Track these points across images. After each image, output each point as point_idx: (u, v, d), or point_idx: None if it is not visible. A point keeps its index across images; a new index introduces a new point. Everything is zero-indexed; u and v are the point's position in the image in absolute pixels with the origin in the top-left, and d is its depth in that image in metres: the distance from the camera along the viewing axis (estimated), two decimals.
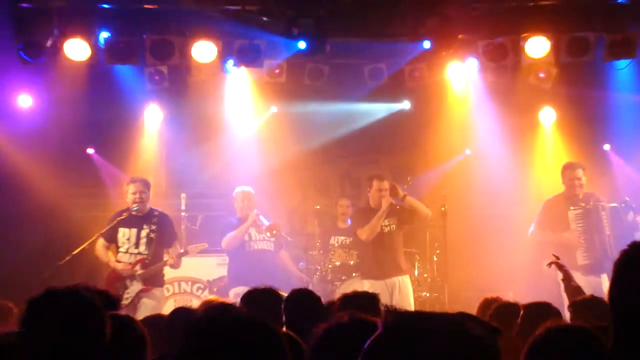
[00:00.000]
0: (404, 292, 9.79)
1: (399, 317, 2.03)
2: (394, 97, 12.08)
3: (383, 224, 10.04)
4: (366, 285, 9.68)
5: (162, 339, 5.00)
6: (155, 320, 5.41)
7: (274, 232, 10.49)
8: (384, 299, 9.63)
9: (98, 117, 11.59)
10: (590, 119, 11.83)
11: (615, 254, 2.91)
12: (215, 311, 2.62)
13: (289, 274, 10.59)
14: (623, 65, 11.00)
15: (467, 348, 1.93)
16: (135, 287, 9.52)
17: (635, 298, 2.80)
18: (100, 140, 11.96)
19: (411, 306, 9.62)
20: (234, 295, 9.41)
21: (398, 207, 10.12)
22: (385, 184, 10.13)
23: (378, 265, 10.02)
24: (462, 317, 4.13)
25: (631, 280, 2.83)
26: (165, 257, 9.75)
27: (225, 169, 11.68)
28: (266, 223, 10.50)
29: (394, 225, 10.10)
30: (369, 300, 5.48)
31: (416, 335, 1.93)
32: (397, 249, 10.17)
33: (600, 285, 9.14)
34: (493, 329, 3.86)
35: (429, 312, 2.15)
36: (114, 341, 3.40)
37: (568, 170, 10.23)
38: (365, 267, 10.23)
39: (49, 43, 10.41)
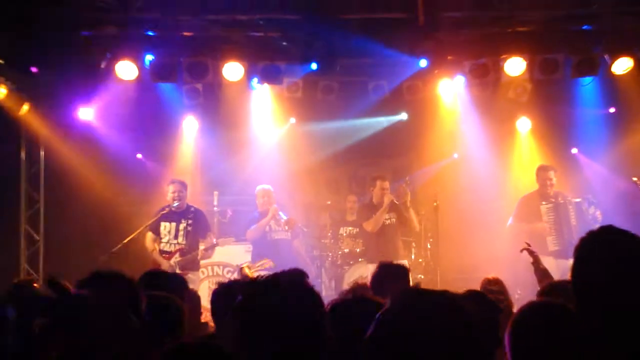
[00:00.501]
0: None
1: (405, 296, 2.05)
2: (393, 109, 12.01)
3: (385, 218, 10.21)
4: (370, 269, 9.69)
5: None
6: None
7: (291, 224, 10.53)
8: None
9: (145, 126, 11.72)
10: (560, 127, 11.85)
11: None
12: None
13: (300, 260, 10.55)
14: (587, 82, 10.96)
15: (465, 324, 1.95)
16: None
17: (592, 278, 2.82)
18: (146, 146, 12.03)
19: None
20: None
21: (397, 204, 10.22)
22: (387, 184, 10.31)
23: (380, 251, 9.96)
24: (470, 294, 4.14)
25: (588, 264, 2.85)
26: (201, 246, 9.81)
27: (252, 170, 11.64)
28: (284, 217, 10.53)
29: (394, 219, 10.25)
30: (402, 269, 5.71)
31: (420, 313, 1.95)
32: (396, 239, 10.33)
33: (568, 268, 9.15)
34: (494, 306, 3.86)
35: (431, 290, 2.14)
36: (156, 318, 3.40)
37: (541, 171, 10.33)
38: (370, 253, 10.30)
39: (103, 65, 10.46)
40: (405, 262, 9.81)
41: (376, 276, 5.65)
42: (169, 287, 4.19)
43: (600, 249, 2.88)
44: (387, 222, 10.26)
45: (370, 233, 10.28)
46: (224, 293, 4.50)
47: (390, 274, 5.60)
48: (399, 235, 10.44)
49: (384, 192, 10.25)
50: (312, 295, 2.46)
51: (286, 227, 10.49)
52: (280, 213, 10.53)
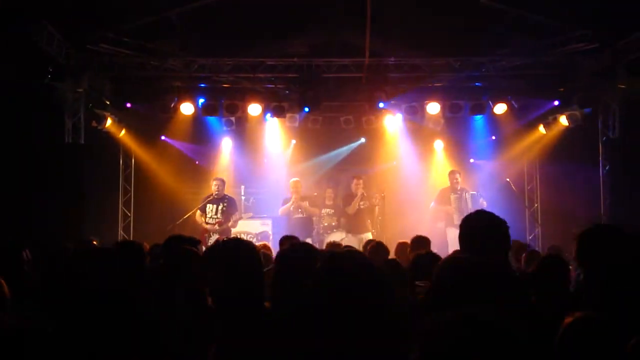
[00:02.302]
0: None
1: (334, 255, 2.06)
2: (356, 135, 11.83)
3: (360, 204, 10.05)
4: (349, 236, 9.98)
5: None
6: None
7: (302, 209, 10.27)
8: (356, 245, 9.10)
9: (199, 143, 11.73)
10: (462, 146, 11.76)
11: None
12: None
13: (309, 231, 10.29)
14: (479, 119, 11.12)
15: (368, 274, 1.94)
16: (214, 237, 9.45)
17: (470, 233, 2.87)
18: (200, 155, 11.86)
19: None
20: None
21: (365, 195, 10.12)
22: (361, 181, 10.15)
23: (354, 226, 10.06)
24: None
25: (464, 227, 2.88)
26: (232, 220, 9.76)
27: (266, 173, 11.56)
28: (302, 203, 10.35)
29: (366, 205, 10.15)
30: (425, 239, 5.76)
31: (343, 267, 1.96)
32: (366, 218, 10.18)
33: None
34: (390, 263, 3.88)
35: (353, 252, 2.05)
36: (168, 260, 3.34)
37: (451, 174, 10.39)
38: (348, 227, 10.24)
39: (172, 105, 10.50)
40: (370, 235, 9.81)
41: (413, 244, 5.78)
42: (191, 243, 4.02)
43: (469, 220, 2.95)
44: (362, 207, 10.08)
45: (350, 214, 10.11)
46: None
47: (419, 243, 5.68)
48: (368, 216, 10.22)
49: (357, 186, 10.09)
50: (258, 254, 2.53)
51: (299, 210, 10.28)
52: (306, 203, 10.26)
